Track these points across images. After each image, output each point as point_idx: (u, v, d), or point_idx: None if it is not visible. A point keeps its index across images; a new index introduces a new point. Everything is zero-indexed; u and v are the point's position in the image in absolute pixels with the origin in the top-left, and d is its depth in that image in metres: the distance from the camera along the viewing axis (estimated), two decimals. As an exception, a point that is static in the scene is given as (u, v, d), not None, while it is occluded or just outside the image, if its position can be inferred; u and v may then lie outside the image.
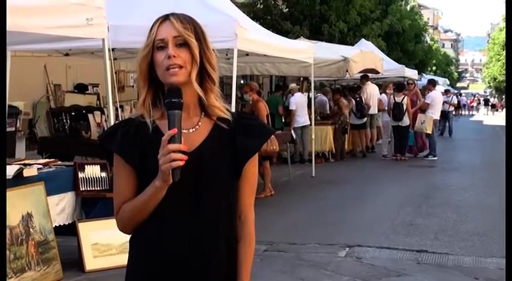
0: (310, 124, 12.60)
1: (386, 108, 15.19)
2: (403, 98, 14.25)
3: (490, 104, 58.35)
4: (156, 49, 1.86)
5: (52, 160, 6.04)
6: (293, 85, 14.85)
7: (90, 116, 8.97)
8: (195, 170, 1.84)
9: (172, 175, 1.75)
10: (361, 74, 15.62)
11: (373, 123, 16.53)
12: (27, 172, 5.12)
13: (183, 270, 1.87)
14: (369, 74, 16.15)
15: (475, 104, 58.15)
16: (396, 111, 14.23)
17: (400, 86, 14.94)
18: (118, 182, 1.92)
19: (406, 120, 14.26)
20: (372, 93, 16.09)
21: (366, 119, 15.76)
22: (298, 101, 13.37)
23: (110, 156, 1.94)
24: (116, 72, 9.16)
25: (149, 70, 1.89)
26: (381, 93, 16.63)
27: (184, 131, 1.82)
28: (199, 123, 1.92)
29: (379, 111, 15.98)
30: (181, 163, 1.73)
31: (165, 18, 1.89)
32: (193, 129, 1.90)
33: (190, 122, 1.90)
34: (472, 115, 50.18)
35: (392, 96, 14.72)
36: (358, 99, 15.55)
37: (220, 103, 1.95)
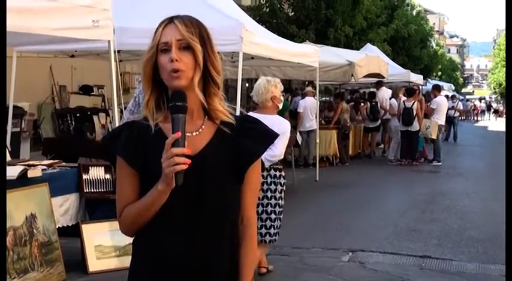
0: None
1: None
2: (413, 103, 14.17)
3: (492, 109, 58.12)
4: (160, 52, 1.86)
5: (56, 161, 6.05)
6: (308, 88, 14.58)
7: (95, 117, 9.01)
8: (198, 174, 1.83)
9: (176, 179, 1.74)
10: (376, 80, 15.81)
11: (387, 128, 16.47)
12: (31, 173, 5.13)
13: (185, 273, 1.87)
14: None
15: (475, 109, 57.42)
16: (406, 116, 14.14)
17: (411, 91, 14.84)
18: (121, 185, 1.92)
19: (415, 126, 14.18)
20: (383, 98, 16.06)
21: (379, 122, 15.84)
22: (307, 104, 13.18)
23: (114, 159, 1.94)
24: (121, 74, 9.19)
25: (153, 73, 1.89)
26: (390, 98, 16.64)
27: (187, 134, 1.81)
28: (203, 126, 1.92)
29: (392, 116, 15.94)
30: (184, 167, 1.73)
31: (170, 21, 1.88)
32: (197, 132, 1.90)
33: (193, 125, 1.90)
34: (477, 121, 50.02)
35: (402, 101, 14.65)
36: (373, 103, 15.76)
37: (224, 107, 1.94)
